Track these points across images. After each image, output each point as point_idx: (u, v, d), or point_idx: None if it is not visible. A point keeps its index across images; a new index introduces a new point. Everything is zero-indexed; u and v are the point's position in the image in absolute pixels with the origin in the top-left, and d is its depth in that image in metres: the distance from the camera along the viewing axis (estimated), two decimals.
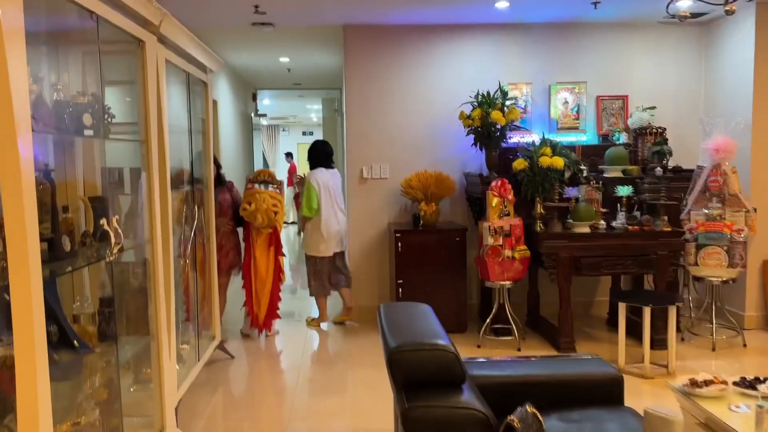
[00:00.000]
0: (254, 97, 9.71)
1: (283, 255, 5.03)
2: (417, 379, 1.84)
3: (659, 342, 4.32)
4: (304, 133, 18.98)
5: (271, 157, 17.98)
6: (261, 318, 4.96)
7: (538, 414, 1.84)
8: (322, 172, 5.31)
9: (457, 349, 1.98)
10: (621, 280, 5.30)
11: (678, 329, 4.84)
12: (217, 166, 4.71)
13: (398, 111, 5.47)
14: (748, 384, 2.66)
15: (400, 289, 4.99)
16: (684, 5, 3.07)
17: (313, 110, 14.48)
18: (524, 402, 1.88)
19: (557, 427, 2.25)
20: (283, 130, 18.74)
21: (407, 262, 5.00)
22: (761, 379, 2.69)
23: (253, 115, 9.84)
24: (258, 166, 10.26)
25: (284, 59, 7.13)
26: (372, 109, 5.47)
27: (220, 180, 4.70)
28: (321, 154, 5.41)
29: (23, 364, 1.66)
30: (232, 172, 7.56)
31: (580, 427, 2.23)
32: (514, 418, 1.74)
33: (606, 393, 2.52)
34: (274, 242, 4.92)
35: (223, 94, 7.11)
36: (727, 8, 3.16)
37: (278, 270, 4.95)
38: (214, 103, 6.62)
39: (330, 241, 5.21)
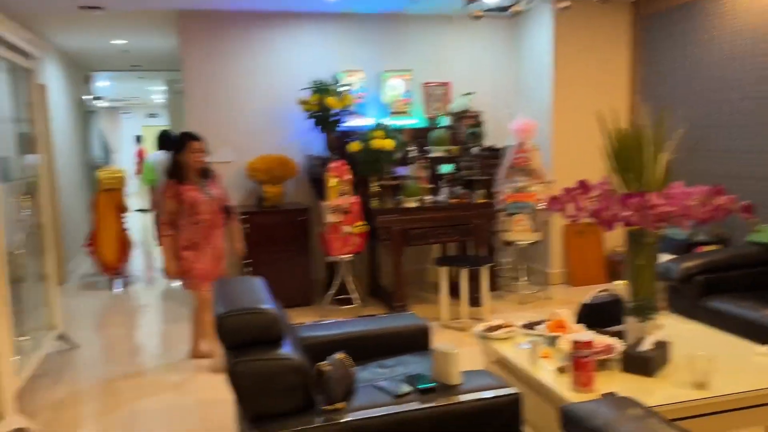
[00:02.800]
0: (87, 80, 9.24)
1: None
2: (242, 339, 2.11)
3: (477, 299, 4.95)
4: (150, 115, 18.18)
5: (114, 141, 17.06)
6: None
7: (345, 359, 2.20)
8: (157, 154, 6.44)
9: (281, 311, 2.29)
10: (446, 248, 5.91)
11: (496, 288, 5.55)
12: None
13: (240, 96, 5.62)
14: (530, 326, 3.24)
15: (248, 269, 5.20)
16: (478, 5, 3.56)
17: (156, 91, 13.95)
18: (336, 350, 2.23)
19: (376, 372, 2.64)
20: (125, 113, 17.82)
21: (254, 243, 5.20)
22: (541, 321, 3.28)
23: (88, 98, 9.37)
24: (96, 150, 9.82)
25: (118, 41, 6.92)
26: (213, 94, 5.56)
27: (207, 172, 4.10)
28: (164, 142, 6.44)
29: None
30: (67, 157, 7.24)
31: (392, 370, 2.63)
32: (323, 363, 2.08)
33: (417, 341, 2.96)
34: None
35: (53, 78, 6.76)
36: (513, 9, 3.71)
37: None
38: (42, 87, 6.30)
39: None
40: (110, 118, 16.89)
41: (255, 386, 1.99)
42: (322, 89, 5.19)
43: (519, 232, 5.18)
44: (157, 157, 6.67)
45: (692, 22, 5.09)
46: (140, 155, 14.66)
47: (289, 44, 5.67)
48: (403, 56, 5.90)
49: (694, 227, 4.66)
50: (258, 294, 2.36)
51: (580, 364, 2.45)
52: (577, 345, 2.45)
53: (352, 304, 5.11)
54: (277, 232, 5.26)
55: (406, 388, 2.17)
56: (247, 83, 5.62)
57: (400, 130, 5.36)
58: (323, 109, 5.17)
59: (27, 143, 3.97)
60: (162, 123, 14.63)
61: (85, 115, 8.94)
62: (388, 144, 4.96)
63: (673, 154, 2.86)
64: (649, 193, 2.64)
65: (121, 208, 6.46)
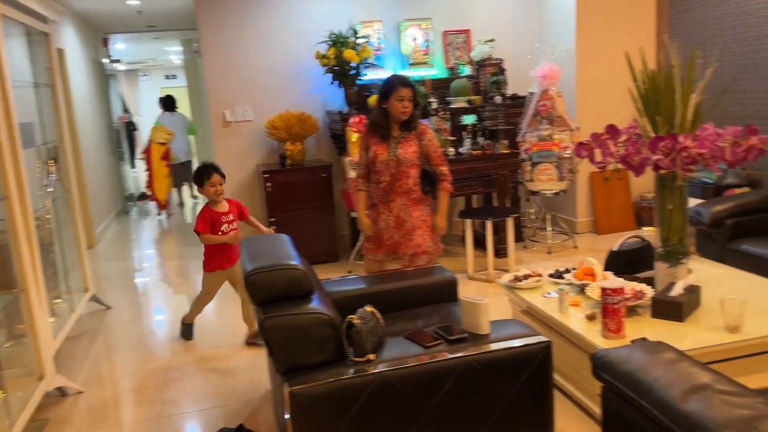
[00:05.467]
0: (105, 43, 9.20)
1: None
2: (272, 295, 2.13)
3: (503, 251, 4.93)
4: (167, 77, 18.12)
5: (133, 104, 17.08)
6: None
7: (376, 311, 2.21)
8: (164, 114, 8.87)
9: (308, 267, 2.30)
10: (472, 201, 5.88)
11: (521, 239, 5.53)
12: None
13: (257, 52, 5.55)
14: (558, 275, 3.22)
15: (273, 228, 5.23)
16: None
17: (173, 52, 13.86)
18: (365, 305, 2.24)
19: (404, 324, 2.65)
20: (144, 75, 17.77)
21: (278, 201, 5.23)
22: (568, 269, 3.26)
23: (106, 61, 9.34)
24: (116, 114, 9.90)
25: (132, 2, 6.84)
26: (229, 51, 5.50)
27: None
28: (166, 103, 8.92)
29: None
30: (87, 120, 7.29)
31: (422, 322, 2.65)
32: (353, 317, 2.09)
33: (445, 293, 2.97)
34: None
35: (70, 41, 6.74)
36: None
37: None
38: (60, 51, 6.29)
39: (177, 153, 8.71)
40: (129, 80, 16.88)
41: (286, 340, 2.02)
42: (339, 42, 5.10)
43: (544, 181, 5.11)
44: (163, 118, 8.69)
45: None
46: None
47: None
48: (421, 4, 5.74)
49: (723, 170, 4.55)
50: (285, 250, 2.37)
51: (610, 311, 2.44)
52: (607, 292, 2.43)
53: None
54: (300, 190, 5.26)
55: (435, 338, 2.18)
56: (264, 39, 5.54)
57: (420, 81, 5.26)
58: (341, 62, 5.09)
59: (48, 108, 3.99)
60: (181, 84, 14.56)
61: (103, 78, 8.95)
62: None
63: (704, 95, 2.76)
64: (679, 135, 2.57)
65: (167, 158, 8.37)
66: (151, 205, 8.98)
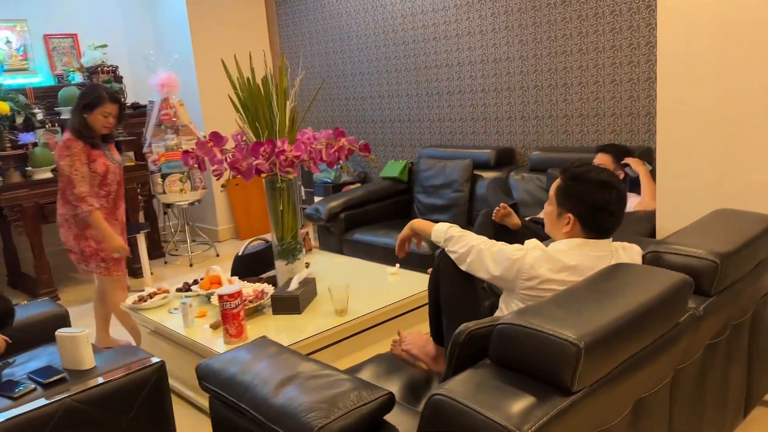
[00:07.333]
0: None
1: None
2: None
3: (139, 270, 4.64)
4: None
5: None
6: None
7: None
8: None
9: None
10: None
11: (162, 254, 5.29)
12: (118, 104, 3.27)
13: None
14: (186, 288, 3.14)
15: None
16: None
17: None
18: None
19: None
20: None
21: None
22: (197, 280, 3.21)
23: None
24: None
25: None
26: None
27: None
28: None
29: None
30: None
31: (22, 368, 2.25)
32: None
33: (55, 330, 2.61)
34: None
35: None
36: None
37: None
38: None
39: None
40: None
41: None
42: None
43: (177, 192, 4.96)
44: None
45: None
46: None
47: None
48: (11, 4, 4.99)
49: (337, 170, 5.07)
50: None
51: (229, 316, 2.46)
52: (224, 298, 2.44)
53: None
54: None
55: (28, 385, 1.89)
56: None
57: (21, 90, 4.59)
58: None
59: None
60: None
61: None
62: (2, 107, 4.20)
63: (298, 102, 2.99)
64: (277, 140, 2.72)
65: None
66: None
